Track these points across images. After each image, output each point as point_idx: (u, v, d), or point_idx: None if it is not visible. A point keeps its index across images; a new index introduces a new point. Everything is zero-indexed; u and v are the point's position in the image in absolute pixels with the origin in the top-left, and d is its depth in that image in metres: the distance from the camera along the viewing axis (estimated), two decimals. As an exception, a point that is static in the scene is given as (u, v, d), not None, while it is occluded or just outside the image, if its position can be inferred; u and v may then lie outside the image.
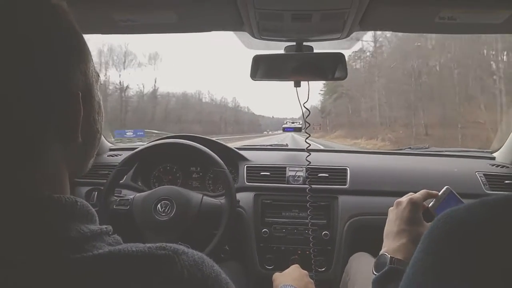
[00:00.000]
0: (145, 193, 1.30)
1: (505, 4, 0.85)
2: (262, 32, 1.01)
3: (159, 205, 1.23)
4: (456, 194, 0.85)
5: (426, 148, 1.98)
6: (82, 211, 0.41)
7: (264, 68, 1.17)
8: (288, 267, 1.08)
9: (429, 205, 0.83)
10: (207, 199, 1.28)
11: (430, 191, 0.83)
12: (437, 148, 2.00)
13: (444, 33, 1.12)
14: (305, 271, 1.05)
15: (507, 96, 14.89)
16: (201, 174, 1.63)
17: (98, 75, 0.50)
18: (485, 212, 0.37)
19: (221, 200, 1.28)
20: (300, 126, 1.43)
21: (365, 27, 1.01)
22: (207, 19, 0.98)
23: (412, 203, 0.79)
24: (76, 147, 0.44)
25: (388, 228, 0.80)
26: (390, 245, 0.75)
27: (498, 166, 1.52)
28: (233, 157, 1.57)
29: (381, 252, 0.75)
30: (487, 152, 1.82)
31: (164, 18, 0.93)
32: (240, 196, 1.40)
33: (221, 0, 0.85)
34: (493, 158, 1.64)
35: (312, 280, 1.02)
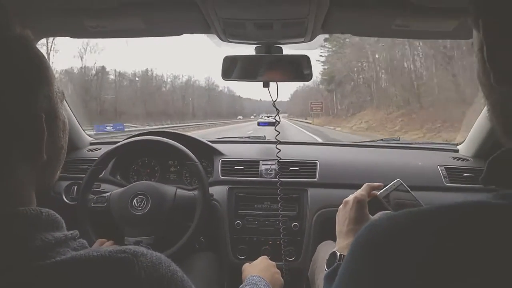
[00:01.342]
0: (121, 189, 1.35)
1: (452, 15, 0.91)
2: (229, 36, 1.06)
3: (134, 200, 1.28)
4: (406, 186, 0.93)
5: (397, 140, 2.06)
6: (48, 221, 0.45)
7: (234, 69, 1.21)
8: (259, 257, 1.14)
9: (378, 193, 0.90)
10: (181, 192, 1.35)
11: (372, 183, 0.91)
12: (407, 140, 2.08)
13: (401, 38, 1.18)
14: (273, 262, 1.11)
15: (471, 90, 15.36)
16: (178, 167, 1.68)
17: (63, 94, 0.54)
18: (405, 222, 0.38)
19: (195, 193, 1.34)
20: (274, 121, 1.49)
21: (327, 31, 1.07)
22: (174, 25, 1.02)
23: (357, 202, 0.85)
24: (42, 164, 0.48)
25: (338, 227, 0.87)
26: (340, 244, 0.82)
27: (459, 159, 1.60)
28: (208, 152, 1.63)
29: (333, 250, 0.81)
30: (452, 144, 1.90)
31: (132, 24, 0.97)
32: (214, 189, 1.46)
33: (186, 8, 0.89)
34: (457, 151, 1.71)
35: (278, 270, 1.08)
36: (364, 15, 0.96)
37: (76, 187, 1.50)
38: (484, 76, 0.42)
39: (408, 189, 0.93)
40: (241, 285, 0.94)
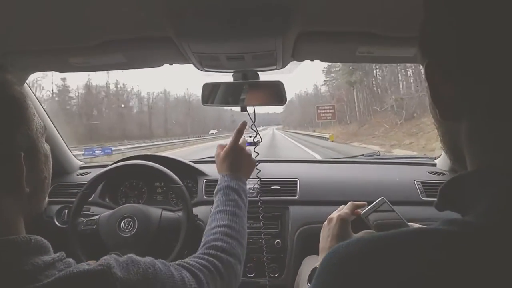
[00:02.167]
0: (109, 212, 1.41)
1: (411, 43, 0.96)
2: (205, 66, 1.13)
3: (122, 223, 1.34)
4: (390, 205, 0.93)
5: (377, 155, 2.12)
6: (36, 246, 0.49)
7: (213, 95, 1.27)
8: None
9: (362, 212, 0.91)
10: (166, 213, 1.41)
11: (356, 202, 0.93)
12: (388, 155, 2.14)
13: (366, 62, 1.27)
14: (241, 146, 1.14)
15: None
16: (164, 189, 1.73)
17: (44, 128, 0.59)
18: (359, 248, 0.38)
19: (180, 214, 1.40)
20: (255, 141, 1.54)
21: (297, 59, 1.15)
22: (153, 58, 1.10)
23: (341, 220, 0.88)
24: (26, 196, 0.53)
25: (322, 244, 0.90)
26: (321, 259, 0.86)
27: (436, 173, 1.65)
28: (192, 173, 1.68)
29: (315, 265, 0.85)
30: (431, 158, 1.95)
31: (115, 59, 1.04)
32: (199, 210, 1.51)
33: (164, 43, 0.96)
34: (434, 165, 1.76)
35: (242, 147, 1.13)
36: (329, 45, 1.04)
37: (66, 210, 1.56)
38: (433, 110, 0.45)
39: (392, 208, 0.92)
40: (215, 189, 1.02)
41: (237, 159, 1.09)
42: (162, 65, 1.15)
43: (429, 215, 1.40)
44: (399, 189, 1.54)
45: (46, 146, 0.59)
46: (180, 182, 1.41)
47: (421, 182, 1.56)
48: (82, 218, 1.40)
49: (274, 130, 62.15)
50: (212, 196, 1.55)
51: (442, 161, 1.75)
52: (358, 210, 0.91)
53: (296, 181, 1.59)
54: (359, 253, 0.37)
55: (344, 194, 1.49)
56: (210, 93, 1.28)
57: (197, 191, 1.62)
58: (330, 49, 1.09)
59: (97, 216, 1.40)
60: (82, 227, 1.37)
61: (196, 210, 1.48)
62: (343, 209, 0.91)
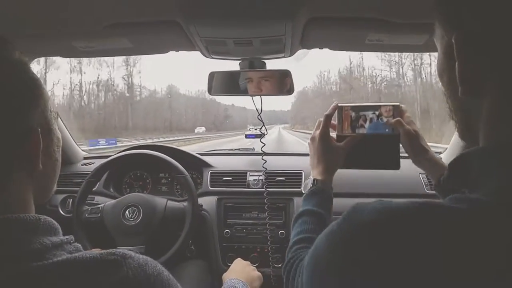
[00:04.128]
0: (113, 201, 1.39)
1: (422, 29, 0.96)
2: (212, 53, 1.11)
3: (127, 212, 1.33)
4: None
5: None
6: (45, 226, 0.49)
7: (219, 83, 1.25)
8: (249, 263, 1.19)
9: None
10: (171, 203, 1.39)
11: (328, 113, 0.94)
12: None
13: (375, 51, 1.24)
14: (246, 262, 1.19)
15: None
16: (169, 179, 1.73)
17: (57, 113, 0.60)
18: (370, 218, 0.40)
19: (185, 204, 1.39)
20: (261, 133, 1.53)
21: (306, 46, 1.12)
22: (160, 43, 1.07)
23: (321, 137, 0.93)
24: (39, 174, 0.53)
25: (310, 161, 0.97)
26: (313, 172, 0.94)
27: None
28: (198, 164, 1.67)
29: (309, 178, 0.93)
30: (436, 153, 1.94)
31: (119, 44, 1.02)
32: (204, 200, 1.51)
33: (170, 28, 0.94)
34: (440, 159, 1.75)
35: (253, 267, 1.16)
36: (339, 32, 1.01)
37: (71, 200, 1.55)
38: (450, 86, 0.46)
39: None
40: None
41: (248, 272, 1.12)
42: (168, 51, 1.13)
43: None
44: (404, 181, 1.53)
45: (59, 132, 0.60)
46: (186, 172, 1.40)
47: (425, 175, 1.54)
48: (87, 207, 1.39)
49: (281, 130, 54.87)
50: (217, 187, 1.59)
51: (447, 155, 1.71)
52: (333, 122, 0.94)
53: (301, 173, 1.58)
54: (371, 222, 0.39)
55: (349, 186, 1.50)
56: (216, 82, 1.27)
57: (202, 182, 1.62)
58: (339, 37, 1.06)
59: (101, 205, 1.39)
60: (86, 215, 1.36)
61: (201, 201, 1.47)
62: (320, 126, 0.94)
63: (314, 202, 0.86)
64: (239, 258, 1.21)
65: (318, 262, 0.46)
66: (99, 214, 1.36)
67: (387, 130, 0.91)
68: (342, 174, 1.55)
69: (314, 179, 0.91)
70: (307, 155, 1.94)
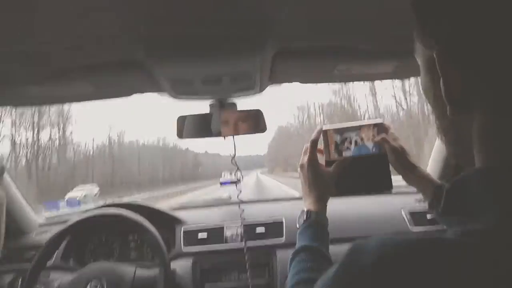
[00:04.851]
0: (71, 277, 1.25)
1: (391, 56, 0.99)
2: (179, 93, 1.10)
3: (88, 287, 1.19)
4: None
5: None
6: None
7: (188, 127, 1.25)
8: None
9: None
10: (140, 272, 1.26)
11: (313, 138, 0.94)
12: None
13: (345, 82, 1.29)
14: None
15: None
16: (138, 242, 1.60)
17: (2, 169, 0.53)
18: (377, 254, 0.38)
19: (156, 272, 1.26)
20: (237, 179, 1.50)
21: (276, 81, 1.15)
22: (124, 86, 1.05)
23: (310, 163, 0.92)
24: None
25: (302, 189, 0.96)
26: (306, 203, 0.92)
27: (422, 201, 1.61)
28: (169, 221, 1.57)
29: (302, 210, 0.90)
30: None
31: (80, 88, 0.99)
32: (177, 264, 1.40)
33: (134, 69, 0.93)
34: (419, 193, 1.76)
35: None
36: (307, 64, 1.04)
37: (20, 280, 1.36)
38: (439, 105, 0.45)
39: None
40: None
41: None
42: (132, 94, 1.11)
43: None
44: (386, 221, 1.51)
45: (1, 192, 0.53)
46: (155, 231, 1.28)
47: (408, 211, 1.54)
48: (39, 286, 1.23)
49: (258, 175, 53.78)
50: (192, 246, 1.47)
51: (430, 169, 1.71)
52: (319, 148, 0.94)
53: (281, 221, 1.52)
54: (373, 264, 0.37)
55: (333, 230, 1.45)
56: (185, 126, 1.26)
57: (175, 243, 1.51)
58: (308, 68, 1.09)
59: (57, 283, 1.23)
60: None
61: (175, 265, 1.36)
62: (307, 153, 0.94)
63: (310, 236, 0.84)
64: None
65: None
66: None
67: (374, 149, 0.92)
68: (330, 218, 1.55)
69: (307, 211, 0.89)
70: (286, 199, 1.92)
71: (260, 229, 1.49)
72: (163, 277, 1.22)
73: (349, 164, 0.92)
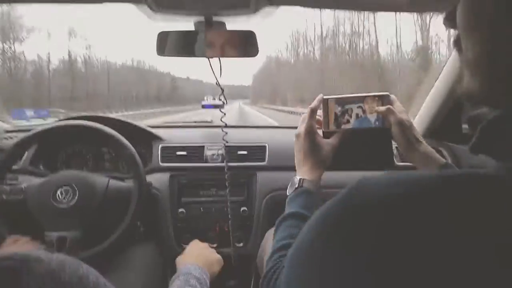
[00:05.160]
0: (41, 180, 1.26)
1: None
2: (160, 7, 1.01)
3: (58, 192, 1.21)
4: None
5: None
6: None
7: (171, 44, 1.18)
8: (206, 245, 1.16)
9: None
10: (114, 182, 1.29)
11: (312, 106, 0.90)
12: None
13: (351, 9, 1.21)
14: (204, 244, 1.15)
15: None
16: (113, 155, 1.62)
17: None
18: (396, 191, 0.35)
19: (131, 183, 1.29)
20: (220, 103, 1.48)
21: (274, 2, 1.06)
22: None
23: (307, 132, 0.89)
24: None
25: (296, 158, 0.93)
26: (299, 171, 0.90)
27: None
28: (146, 138, 1.58)
29: (294, 177, 0.88)
30: None
31: None
32: (154, 177, 1.43)
33: None
34: None
35: (212, 249, 1.14)
36: None
37: None
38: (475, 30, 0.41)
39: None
40: (173, 276, 0.94)
41: (207, 256, 1.09)
42: (104, 1, 1.00)
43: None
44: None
45: None
46: (131, 147, 1.29)
47: (395, 146, 1.56)
48: (6, 187, 1.24)
49: (241, 105, 51.34)
50: (169, 163, 1.52)
51: (417, 124, 1.74)
52: (318, 117, 0.91)
53: (264, 146, 1.56)
54: (382, 201, 0.35)
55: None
56: (167, 42, 1.18)
57: (152, 158, 1.53)
58: None
59: (25, 184, 1.25)
60: (5, 197, 1.21)
61: (151, 178, 1.39)
62: (305, 121, 0.91)
63: (300, 204, 0.81)
64: (195, 240, 1.18)
65: (300, 255, 0.41)
66: (22, 195, 1.22)
67: (376, 123, 0.88)
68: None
69: (300, 179, 0.86)
70: (272, 127, 1.93)
71: (242, 152, 1.52)
72: (138, 188, 1.25)
73: (349, 137, 0.89)
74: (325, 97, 0.91)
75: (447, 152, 1.57)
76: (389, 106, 0.86)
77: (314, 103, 0.91)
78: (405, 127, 0.85)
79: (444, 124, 1.60)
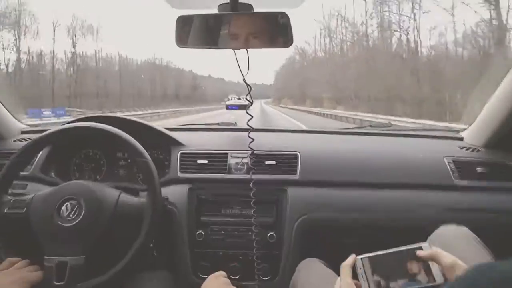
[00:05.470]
0: (47, 191, 1.13)
1: None
2: None
3: (63, 207, 1.06)
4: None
5: (388, 126, 1.94)
6: None
7: (192, 32, 1.06)
8: (227, 276, 1.02)
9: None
10: (125, 197, 1.13)
11: (346, 263, 0.80)
12: (399, 127, 1.97)
13: None
14: (226, 279, 1.01)
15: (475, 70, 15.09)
16: (129, 161, 1.49)
17: None
18: None
19: (143, 198, 1.14)
20: (246, 103, 1.31)
21: None
22: None
23: None
24: None
25: None
26: None
27: (468, 149, 1.46)
28: (165, 142, 1.43)
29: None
30: (453, 131, 1.77)
31: None
32: (171, 190, 1.29)
33: None
34: (461, 139, 1.57)
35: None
36: None
37: None
38: None
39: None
40: None
41: None
42: None
43: (468, 204, 1.27)
44: (425, 168, 1.36)
45: None
46: (147, 156, 1.14)
47: (452, 159, 1.36)
48: (10, 197, 1.12)
49: (262, 104, 48.24)
50: (189, 173, 1.35)
51: (471, 134, 1.55)
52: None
53: (296, 155, 1.37)
54: None
55: (359, 173, 1.34)
56: (186, 30, 1.06)
57: (170, 166, 1.38)
58: None
59: (29, 196, 1.12)
60: (6, 210, 1.08)
61: (167, 191, 1.25)
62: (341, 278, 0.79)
63: None
64: (214, 274, 1.02)
65: None
66: (24, 209, 1.09)
67: (428, 284, 0.73)
68: (348, 157, 1.41)
69: None
70: (303, 131, 1.75)
71: (270, 162, 1.35)
72: (151, 206, 1.10)
73: None
74: (359, 256, 0.81)
75: None
76: (434, 260, 0.72)
77: (347, 260, 0.81)
78: (458, 269, 0.70)
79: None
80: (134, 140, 1.15)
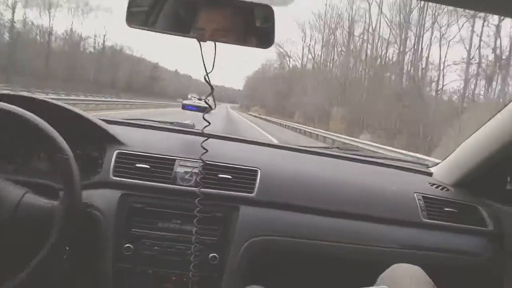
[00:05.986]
0: None
1: None
2: None
3: None
4: None
5: (356, 151, 1.90)
6: None
7: (148, 12, 0.91)
8: None
9: None
10: (31, 198, 0.97)
11: None
12: (368, 151, 1.93)
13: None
14: None
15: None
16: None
17: None
18: None
19: (55, 202, 0.97)
20: (206, 106, 1.18)
21: None
22: None
23: None
24: None
25: None
26: None
27: (438, 186, 1.45)
28: (100, 137, 1.26)
29: None
30: (422, 165, 1.79)
31: None
32: (99, 194, 1.14)
33: None
34: (430, 174, 1.58)
35: None
36: None
37: None
38: None
39: None
40: None
41: None
42: None
43: (433, 243, 1.28)
44: (395, 202, 1.33)
45: None
46: (68, 151, 0.98)
47: (422, 196, 1.35)
48: None
49: (228, 109, 46.63)
50: (124, 177, 1.17)
51: (441, 171, 1.56)
52: None
53: (256, 171, 1.26)
54: None
55: (322, 199, 1.28)
56: (144, 9, 0.92)
57: (103, 166, 1.21)
58: None
59: None
60: None
61: (94, 194, 1.11)
62: None
63: None
64: None
65: None
66: None
67: None
68: (313, 179, 1.36)
69: None
70: (267, 145, 1.65)
71: (225, 175, 1.23)
72: (64, 211, 0.95)
73: None
74: None
75: (487, 211, 1.37)
76: None
77: None
78: None
79: (485, 176, 1.42)
80: (53, 130, 0.98)
